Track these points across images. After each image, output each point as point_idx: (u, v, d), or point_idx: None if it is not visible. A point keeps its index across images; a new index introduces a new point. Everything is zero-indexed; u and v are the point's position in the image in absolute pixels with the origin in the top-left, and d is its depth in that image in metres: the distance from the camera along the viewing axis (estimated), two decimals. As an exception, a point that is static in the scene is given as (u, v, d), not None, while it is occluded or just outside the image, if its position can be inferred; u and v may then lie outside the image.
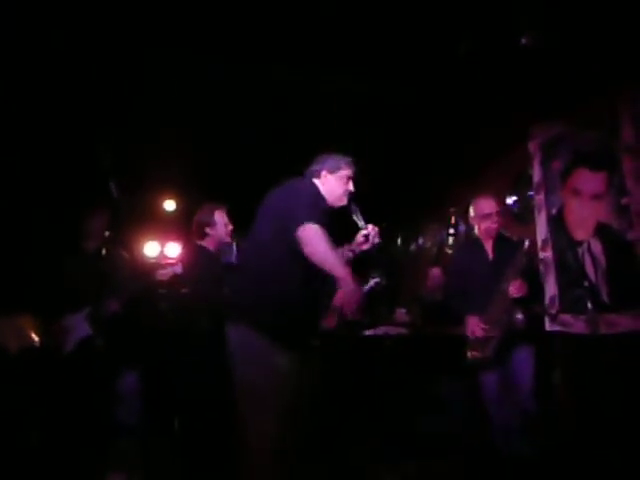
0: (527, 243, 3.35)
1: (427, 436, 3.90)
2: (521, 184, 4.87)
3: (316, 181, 2.78)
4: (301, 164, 2.86)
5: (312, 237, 2.38)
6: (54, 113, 4.18)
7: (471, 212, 3.61)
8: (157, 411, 3.91)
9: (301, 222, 2.39)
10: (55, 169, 4.55)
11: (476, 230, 3.60)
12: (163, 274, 3.68)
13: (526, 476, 3.15)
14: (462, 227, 5.73)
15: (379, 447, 3.84)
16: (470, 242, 3.75)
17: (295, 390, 2.49)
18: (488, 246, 3.52)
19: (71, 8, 3.23)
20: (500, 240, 3.53)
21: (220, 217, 3.68)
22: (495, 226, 3.50)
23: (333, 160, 2.81)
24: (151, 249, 5.83)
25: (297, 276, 2.50)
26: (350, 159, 2.85)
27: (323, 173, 2.79)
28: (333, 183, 2.78)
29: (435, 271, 5.33)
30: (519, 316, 3.31)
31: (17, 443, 3.10)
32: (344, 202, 2.79)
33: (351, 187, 2.81)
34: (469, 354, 3.43)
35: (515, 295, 3.28)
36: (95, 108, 4.23)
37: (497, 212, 3.52)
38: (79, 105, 4.17)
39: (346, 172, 2.80)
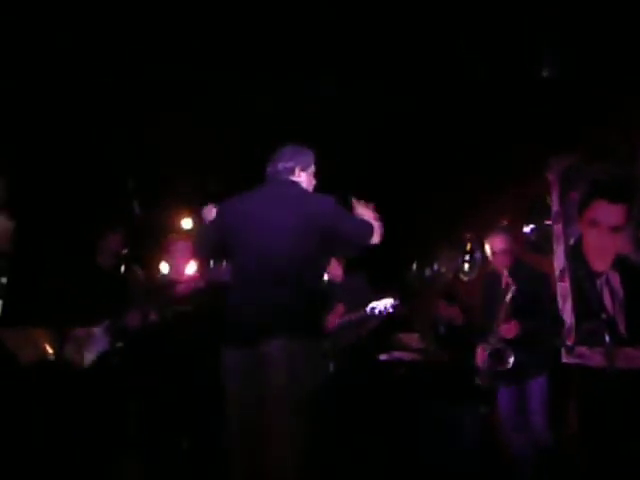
0: (514, 289, 3.34)
1: (433, 465, 3.84)
2: (538, 213, 4.84)
3: (293, 179, 2.68)
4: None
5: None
6: (79, 131, 4.26)
7: (486, 248, 3.71)
8: (165, 428, 3.89)
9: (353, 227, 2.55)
10: (77, 186, 4.62)
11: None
12: (183, 289, 3.70)
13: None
14: (478, 253, 5.69)
15: (383, 474, 3.79)
16: (492, 273, 3.78)
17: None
18: (504, 276, 3.54)
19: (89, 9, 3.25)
20: (516, 267, 3.56)
21: None
22: (506, 262, 3.55)
23: (304, 156, 2.74)
24: (188, 268, 5.79)
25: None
26: (311, 151, 2.78)
27: (297, 171, 2.69)
28: (305, 180, 2.71)
29: (442, 305, 5.26)
30: (510, 359, 3.28)
31: (25, 454, 3.10)
32: None
33: (314, 181, 2.77)
34: (477, 380, 3.53)
35: (505, 335, 3.30)
36: (118, 127, 4.31)
37: (508, 250, 3.56)
38: (103, 124, 4.25)
39: (314, 167, 2.76)
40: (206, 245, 2.81)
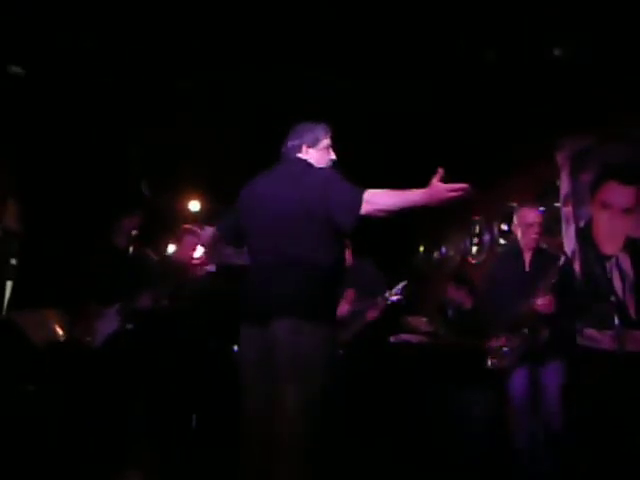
0: (563, 259, 3.27)
1: (442, 450, 3.85)
2: (548, 195, 4.81)
3: (300, 156, 2.64)
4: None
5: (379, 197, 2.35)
6: (89, 116, 4.26)
7: (514, 220, 3.55)
8: (175, 410, 3.93)
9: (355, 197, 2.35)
10: (89, 170, 4.62)
11: (518, 236, 3.55)
12: (196, 272, 3.70)
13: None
14: (486, 237, 5.67)
15: (392, 459, 3.81)
16: (510, 251, 3.67)
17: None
18: (527, 257, 3.44)
19: (103, 11, 3.29)
20: (539, 253, 3.45)
21: None
22: (536, 237, 3.41)
23: (311, 132, 2.67)
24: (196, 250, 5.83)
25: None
26: (325, 125, 2.69)
27: (304, 148, 2.65)
28: (316, 156, 2.64)
29: (451, 287, 5.25)
30: (543, 334, 3.22)
31: (37, 434, 3.14)
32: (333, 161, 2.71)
33: (333, 156, 2.69)
34: (489, 361, 3.38)
35: (541, 310, 3.20)
36: (127, 111, 4.30)
37: (540, 223, 3.44)
38: (112, 108, 4.24)
39: (324, 142, 2.67)
40: (226, 229, 2.81)
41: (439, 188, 2.31)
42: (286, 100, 4.28)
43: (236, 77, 4.04)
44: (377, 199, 2.35)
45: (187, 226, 4.20)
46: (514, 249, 3.58)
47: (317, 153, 2.67)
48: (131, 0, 3.21)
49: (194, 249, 3.99)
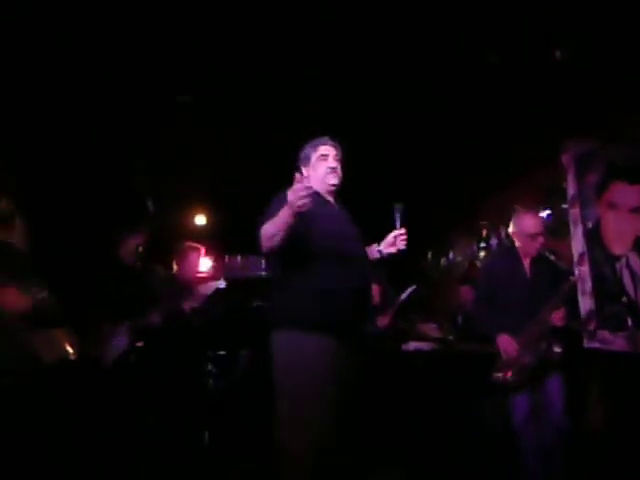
0: (575, 275, 3.21)
1: (452, 454, 3.82)
2: (554, 197, 4.79)
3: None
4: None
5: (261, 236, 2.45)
6: (92, 132, 4.28)
7: (512, 226, 3.49)
8: (186, 424, 3.92)
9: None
10: (93, 187, 4.65)
11: (516, 243, 3.50)
12: (206, 289, 3.70)
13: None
14: (494, 241, 5.65)
15: (404, 465, 3.78)
16: (507, 254, 3.63)
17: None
18: (526, 262, 3.44)
19: (108, 14, 3.30)
20: (539, 259, 3.42)
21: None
22: (538, 246, 3.39)
23: (302, 153, 2.80)
24: (203, 264, 5.82)
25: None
26: (318, 140, 2.78)
27: (302, 169, 2.76)
28: (312, 174, 2.73)
29: (465, 289, 5.25)
30: (557, 349, 3.18)
31: (48, 453, 3.13)
32: (332, 180, 2.72)
33: (330, 164, 2.72)
34: (496, 375, 3.30)
35: (558, 324, 3.17)
36: (130, 127, 4.32)
37: (541, 233, 3.41)
38: (115, 125, 4.27)
39: (315, 155, 2.75)
40: None
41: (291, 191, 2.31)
42: (290, 111, 4.29)
43: (240, 87, 4.06)
44: (261, 233, 2.46)
45: (189, 243, 4.20)
46: (512, 253, 3.52)
47: (312, 170, 2.75)
48: (134, 4, 3.23)
49: (197, 266, 4.01)
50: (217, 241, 5.71)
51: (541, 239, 3.41)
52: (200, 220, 6.46)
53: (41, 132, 4.08)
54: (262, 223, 2.48)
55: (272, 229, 2.40)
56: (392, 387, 4.20)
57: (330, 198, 2.77)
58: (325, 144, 2.78)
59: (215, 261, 5.55)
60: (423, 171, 5.52)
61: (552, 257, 3.48)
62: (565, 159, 3.99)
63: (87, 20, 3.27)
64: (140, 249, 3.80)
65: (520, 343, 3.24)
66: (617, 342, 3.35)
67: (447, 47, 3.50)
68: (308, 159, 2.77)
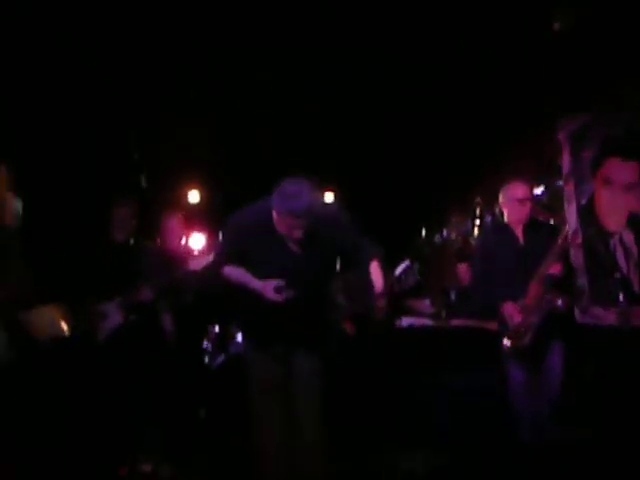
0: (568, 228, 3.24)
1: (443, 426, 3.86)
2: (549, 174, 4.79)
3: None
4: (317, 156, 2.82)
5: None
6: (85, 105, 4.22)
7: (502, 196, 3.49)
8: (183, 400, 3.95)
9: None
10: (85, 161, 4.60)
11: (505, 217, 3.51)
12: (196, 264, 3.69)
13: (549, 466, 3.10)
14: (488, 218, 5.66)
15: (395, 434, 3.82)
16: (498, 227, 3.66)
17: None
18: (518, 231, 3.43)
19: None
20: (532, 225, 3.44)
21: None
22: (527, 212, 3.40)
23: (273, 199, 2.65)
24: (196, 241, 5.79)
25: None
26: (286, 207, 2.59)
27: None
28: (276, 218, 2.68)
29: (462, 267, 5.25)
30: (559, 301, 3.21)
31: (48, 432, 3.15)
32: (286, 238, 2.71)
33: (293, 235, 2.65)
34: (505, 342, 3.30)
35: (556, 273, 3.18)
36: (124, 101, 4.26)
37: (529, 198, 3.41)
38: (109, 97, 4.21)
39: (281, 217, 2.63)
40: None
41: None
42: (287, 88, 4.24)
43: (237, 63, 4.00)
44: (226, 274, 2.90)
45: (170, 212, 4.17)
46: (503, 226, 3.54)
47: (276, 217, 2.71)
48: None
49: (180, 236, 4.00)
50: (211, 218, 5.68)
51: (529, 204, 3.42)
52: (194, 197, 6.42)
53: (32, 104, 4.02)
54: (218, 247, 2.99)
55: (234, 280, 2.82)
56: (387, 362, 4.23)
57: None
58: (291, 215, 2.61)
59: (209, 238, 5.52)
60: (417, 148, 5.49)
61: (545, 220, 3.49)
62: (561, 136, 3.98)
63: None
64: (133, 222, 3.78)
65: (525, 306, 3.24)
66: (609, 317, 3.37)
67: (443, 16, 3.44)
68: (275, 210, 2.66)
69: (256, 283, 2.71)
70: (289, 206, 2.59)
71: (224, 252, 2.89)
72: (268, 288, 2.65)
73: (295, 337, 2.80)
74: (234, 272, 2.81)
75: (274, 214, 2.67)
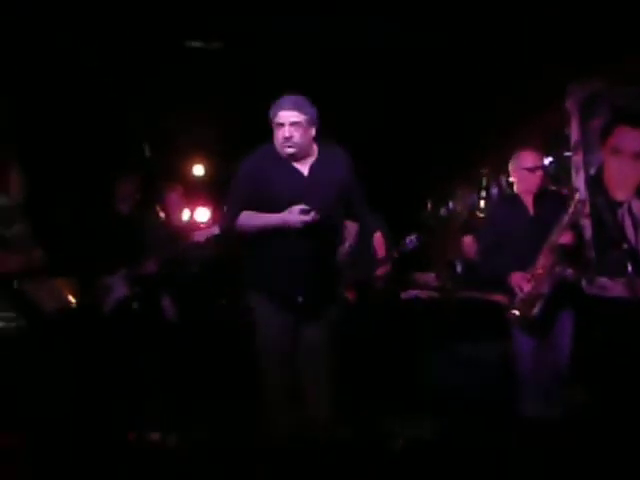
0: (578, 197, 3.20)
1: (451, 394, 3.87)
2: (557, 144, 4.73)
3: None
4: (319, 129, 2.78)
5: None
6: (86, 76, 4.18)
7: (512, 165, 3.42)
8: (190, 370, 3.98)
9: None
10: (87, 131, 4.57)
11: (515, 186, 3.47)
12: (200, 235, 3.69)
13: (550, 437, 3.11)
14: (494, 190, 5.61)
15: (400, 401, 3.85)
16: (508, 198, 3.61)
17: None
18: (528, 201, 3.37)
19: None
20: (542, 195, 3.37)
21: None
22: (538, 181, 3.32)
23: (270, 111, 2.70)
24: (201, 215, 5.78)
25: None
26: (277, 104, 2.65)
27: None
28: (275, 136, 2.70)
29: (467, 239, 5.23)
30: (569, 270, 3.18)
31: (56, 400, 3.19)
32: (287, 150, 2.67)
33: (284, 133, 2.62)
34: (513, 312, 3.24)
35: (566, 242, 3.12)
36: (126, 71, 4.22)
37: (540, 167, 3.34)
38: (110, 68, 4.16)
39: (274, 121, 2.66)
40: None
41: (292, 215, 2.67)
42: (293, 61, 4.16)
43: (243, 36, 3.94)
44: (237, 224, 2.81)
45: (170, 186, 4.16)
46: (513, 196, 3.48)
47: (274, 130, 2.71)
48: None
49: (181, 208, 4.01)
50: (215, 192, 5.66)
51: (540, 173, 3.34)
52: (198, 170, 6.39)
53: (34, 75, 3.98)
54: (230, 199, 2.83)
55: (252, 226, 2.73)
56: (391, 330, 4.25)
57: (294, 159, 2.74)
58: (281, 109, 2.65)
59: (214, 212, 5.51)
60: (422, 120, 5.42)
61: (556, 189, 3.43)
62: (569, 104, 3.91)
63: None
64: (137, 196, 3.77)
65: (535, 276, 3.19)
66: (616, 288, 3.37)
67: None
68: (270, 121, 2.70)
69: (276, 216, 2.64)
70: (278, 103, 2.66)
71: (237, 201, 2.80)
72: (294, 212, 2.59)
73: (309, 287, 2.74)
74: (249, 217, 2.73)
75: (274, 136, 2.69)
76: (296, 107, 2.64)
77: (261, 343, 2.83)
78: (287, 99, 2.67)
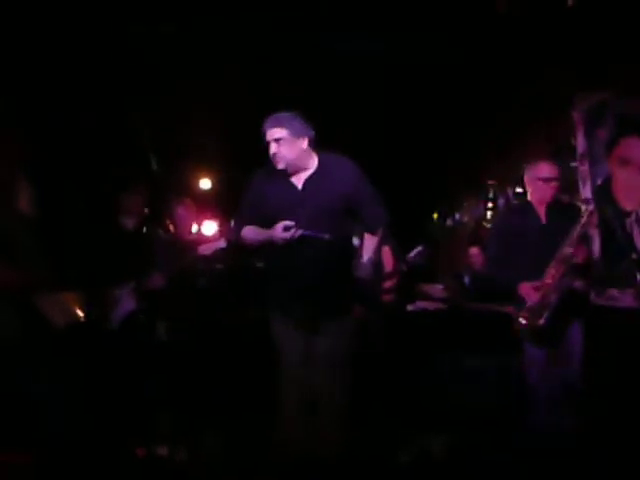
0: (589, 208, 3.20)
1: (459, 408, 3.85)
2: (563, 155, 4.72)
3: None
4: (325, 140, 2.81)
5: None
6: (93, 88, 4.21)
7: (527, 175, 3.40)
8: (199, 385, 3.97)
9: None
10: (94, 144, 4.60)
11: (529, 195, 3.45)
12: (207, 249, 3.70)
13: (561, 450, 3.08)
14: (501, 201, 5.61)
15: (411, 415, 3.82)
16: (519, 207, 3.58)
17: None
18: (541, 210, 3.36)
19: None
20: (555, 205, 3.35)
21: None
22: (552, 191, 3.30)
23: None
24: (208, 228, 5.79)
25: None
26: (265, 122, 2.73)
27: None
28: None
29: (474, 250, 5.22)
30: (578, 283, 3.16)
31: (63, 417, 3.18)
32: (277, 166, 2.72)
33: (270, 150, 2.70)
34: (519, 320, 3.20)
35: (579, 261, 3.11)
36: (133, 83, 4.25)
37: (555, 178, 3.32)
38: (117, 79, 4.19)
39: (265, 139, 2.75)
40: None
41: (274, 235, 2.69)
42: (304, 70, 4.18)
43: (248, 45, 3.97)
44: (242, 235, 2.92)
45: (176, 199, 4.18)
46: (524, 204, 3.48)
47: None
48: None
49: (190, 222, 4.02)
50: (222, 206, 5.69)
51: (555, 184, 3.33)
52: (205, 184, 6.42)
53: (40, 84, 4.00)
54: (240, 210, 2.90)
55: (251, 240, 2.84)
56: (401, 343, 4.23)
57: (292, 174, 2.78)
58: (265, 129, 2.73)
59: (221, 225, 5.53)
60: (430, 132, 5.44)
61: (569, 201, 3.42)
62: (575, 116, 3.92)
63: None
64: (146, 210, 3.79)
65: (544, 285, 3.15)
66: (625, 299, 3.34)
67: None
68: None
69: (265, 232, 2.72)
70: (264, 123, 2.73)
71: (241, 215, 2.91)
72: (277, 229, 2.63)
73: (309, 303, 2.74)
74: (248, 232, 2.83)
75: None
76: (277, 124, 2.71)
77: (279, 358, 2.87)
78: (270, 117, 2.75)
